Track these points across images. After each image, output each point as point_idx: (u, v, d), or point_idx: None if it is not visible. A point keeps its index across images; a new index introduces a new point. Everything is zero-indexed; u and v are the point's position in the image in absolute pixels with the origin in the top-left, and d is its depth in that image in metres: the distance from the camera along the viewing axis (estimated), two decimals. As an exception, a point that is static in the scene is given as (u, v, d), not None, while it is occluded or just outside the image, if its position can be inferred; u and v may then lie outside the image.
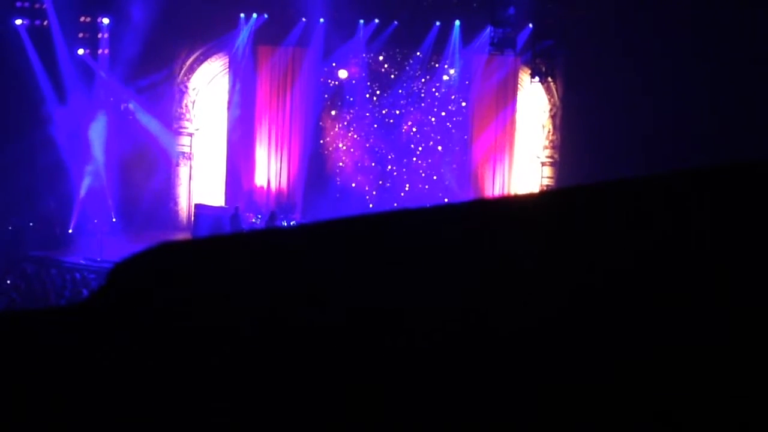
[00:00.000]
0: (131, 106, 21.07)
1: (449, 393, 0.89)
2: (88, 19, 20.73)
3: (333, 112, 21.46)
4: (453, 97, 21.15)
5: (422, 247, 1.06)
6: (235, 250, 1.15)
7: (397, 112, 21.32)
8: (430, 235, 1.07)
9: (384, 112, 21.26)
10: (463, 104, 21.17)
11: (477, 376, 0.90)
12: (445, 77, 21.09)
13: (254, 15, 20.76)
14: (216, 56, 21.49)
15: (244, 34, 20.95)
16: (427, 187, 21.25)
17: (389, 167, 21.36)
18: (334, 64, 21.13)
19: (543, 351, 0.92)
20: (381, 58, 21.22)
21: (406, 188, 21.29)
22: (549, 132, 20.67)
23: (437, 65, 20.99)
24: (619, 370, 0.89)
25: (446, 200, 20.63)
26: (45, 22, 20.46)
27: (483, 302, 0.96)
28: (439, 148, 21.19)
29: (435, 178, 21.21)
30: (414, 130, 21.39)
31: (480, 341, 0.93)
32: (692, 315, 0.93)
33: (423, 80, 21.18)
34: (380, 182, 21.41)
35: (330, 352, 0.95)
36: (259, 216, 20.51)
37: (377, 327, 0.98)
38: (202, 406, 0.90)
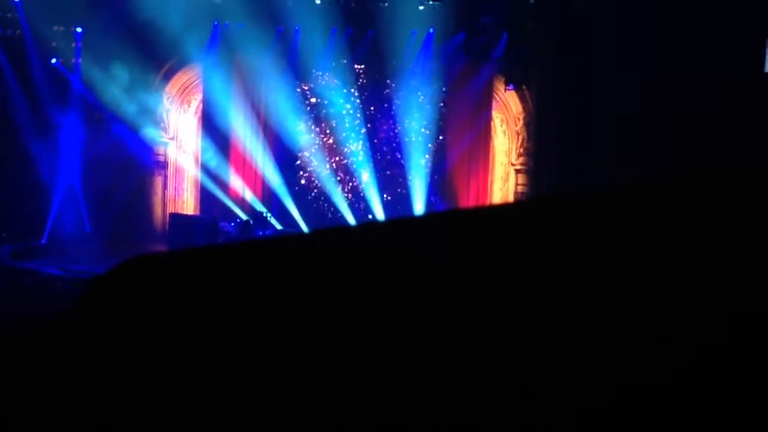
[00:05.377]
0: (105, 115, 20.95)
1: (450, 397, 0.89)
2: (61, 29, 20.62)
3: (308, 121, 21.44)
4: (427, 104, 21.19)
5: (411, 257, 1.05)
6: (215, 262, 1.14)
7: (372, 120, 21.35)
8: (416, 245, 1.07)
9: (359, 120, 21.27)
10: (439, 111, 21.22)
11: (482, 385, 0.90)
12: (420, 85, 21.11)
13: (228, 23, 20.66)
14: (190, 65, 21.39)
15: (218, 43, 20.83)
16: (395, 194, 21.28)
17: (365, 176, 21.37)
18: (316, 76, 21.14)
19: (548, 359, 0.92)
20: (356, 66, 21.24)
21: (383, 197, 21.31)
22: (523, 140, 20.77)
23: (412, 73, 21.01)
24: (624, 379, 0.89)
25: (423, 208, 20.69)
26: (17, 32, 20.34)
27: (485, 310, 0.96)
28: (415, 155, 21.22)
29: (411, 185, 21.23)
30: (389, 137, 21.42)
31: (484, 349, 0.93)
32: (687, 321, 0.93)
33: (397, 88, 21.20)
34: (356, 191, 21.43)
35: (321, 367, 0.94)
36: (233, 224, 20.46)
37: (373, 333, 0.97)
38: (183, 424, 0.89)
